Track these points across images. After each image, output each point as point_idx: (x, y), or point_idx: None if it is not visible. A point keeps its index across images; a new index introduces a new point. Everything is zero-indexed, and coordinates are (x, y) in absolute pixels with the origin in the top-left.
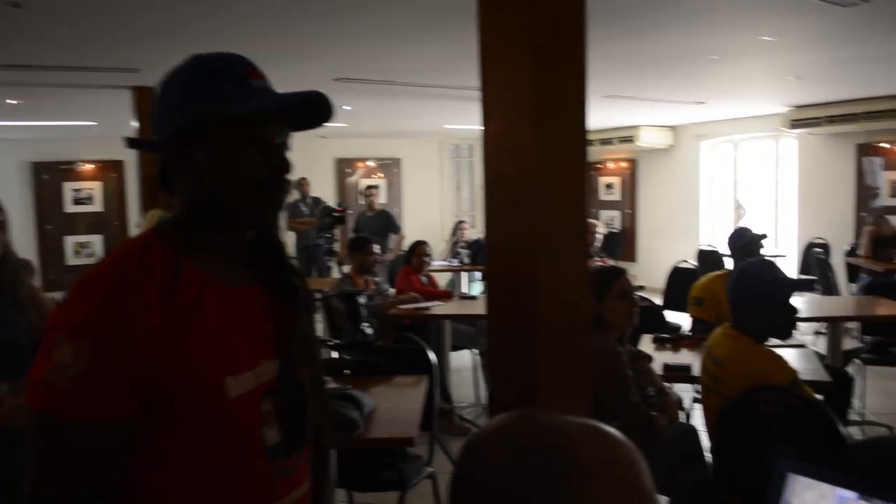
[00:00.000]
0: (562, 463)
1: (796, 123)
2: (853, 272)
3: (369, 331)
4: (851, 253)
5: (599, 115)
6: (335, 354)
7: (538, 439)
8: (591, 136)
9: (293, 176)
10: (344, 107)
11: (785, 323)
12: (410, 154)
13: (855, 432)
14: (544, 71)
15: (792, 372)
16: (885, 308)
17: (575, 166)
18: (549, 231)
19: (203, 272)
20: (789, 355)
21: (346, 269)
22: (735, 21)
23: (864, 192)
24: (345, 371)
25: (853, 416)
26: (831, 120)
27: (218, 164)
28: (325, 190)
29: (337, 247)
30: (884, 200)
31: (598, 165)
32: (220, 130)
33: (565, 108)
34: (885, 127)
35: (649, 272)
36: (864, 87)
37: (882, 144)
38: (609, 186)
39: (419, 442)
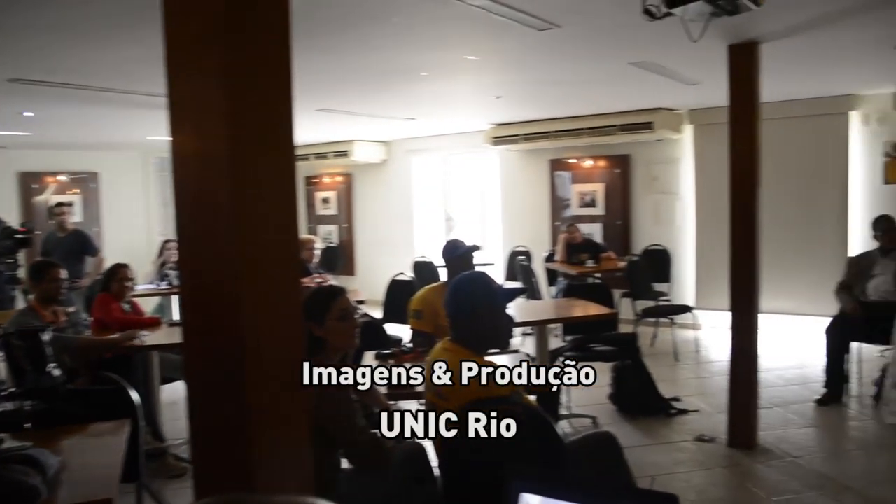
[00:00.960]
0: None
1: (498, 140)
2: (552, 276)
3: (57, 372)
4: (549, 259)
5: (313, 129)
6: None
7: None
8: (306, 151)
9: None
10: (24, 112)
11: (502, 332)
12: (110, 167)
13: (565, 426)
14: (240, 78)
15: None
16: (580, 309)
17: (282, 178)
18: (252, 248)
19: None
20: (506, 362)
21: (32, 298)
22: (442, 39)
23: (558, 203)
24: (25, 425)
25: (562, 411)
26: (528, 137)
27: None
28: (6, 208)
29: (22, 273)
30: (574, 210)
31: (315, 180)
32: None
33: (268, 117)
34: (572, 144)
35: (370, 285)
36: (554, 107)
37: (570, 160)
38: (325, 201)
39: (124, 493)
